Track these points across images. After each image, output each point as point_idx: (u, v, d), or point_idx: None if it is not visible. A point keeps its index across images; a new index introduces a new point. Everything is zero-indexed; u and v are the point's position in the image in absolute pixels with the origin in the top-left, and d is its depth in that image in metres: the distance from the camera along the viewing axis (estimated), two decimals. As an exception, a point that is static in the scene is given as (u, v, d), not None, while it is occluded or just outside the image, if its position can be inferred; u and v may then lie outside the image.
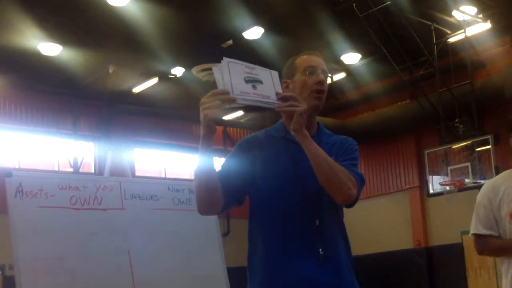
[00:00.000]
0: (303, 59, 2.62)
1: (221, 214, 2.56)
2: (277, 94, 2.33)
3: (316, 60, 2.61)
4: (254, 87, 2.28)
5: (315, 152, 2.37)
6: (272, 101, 2.32)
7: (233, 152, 2.58)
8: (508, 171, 3.54)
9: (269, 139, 2.59)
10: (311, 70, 2.56)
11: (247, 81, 2.28)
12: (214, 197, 2.41)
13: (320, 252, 2.41)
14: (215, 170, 2.39)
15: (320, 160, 2.37)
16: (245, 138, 2.64)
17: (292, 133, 2.36)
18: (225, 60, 2.28)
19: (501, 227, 3.45)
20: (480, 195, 3.57)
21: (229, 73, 2.26)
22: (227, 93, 2.23)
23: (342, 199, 2.42)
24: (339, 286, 2.44)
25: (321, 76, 2.55)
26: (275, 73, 2.41)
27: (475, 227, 3.52)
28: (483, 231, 3.47)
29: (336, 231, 2.52)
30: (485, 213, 3.49)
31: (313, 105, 2.51)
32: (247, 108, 17.58)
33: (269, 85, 2.33)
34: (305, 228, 2.43)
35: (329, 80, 2.64)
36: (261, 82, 2.31)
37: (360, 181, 2.49)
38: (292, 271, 2.40)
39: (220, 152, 18.93)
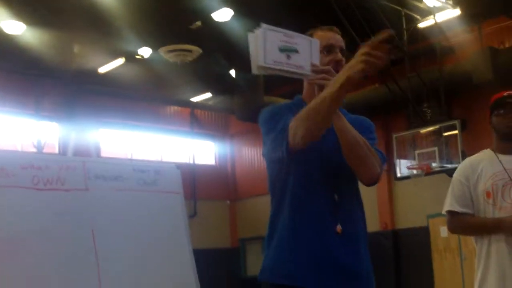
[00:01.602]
0: (321, 36, 2.55)
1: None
2: (312, 65, 2.30)
3: (334, 37, 2.56)
4: (288, 56, 2.25)
5: (346, 129, 2.36)
6: (304, 72, 2.29)
7: (272, 116, 2.53)
8: (486, 150, 3.55)
9: (293, 112, 2.53)
10: (329, 48, 2.52)
11: (282, 50, 2.24)
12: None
13: (339, 227, 2.42)
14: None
15: (351, 138, 2.35)
16: (274, 106, 2.60)
17: None
18: (264, 27, 2.25)
19: (475, 205, 3.44)
20: (458, 172, 3.56)
21: (264, 41, 2.22)
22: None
23: (368, 178, 2.46)
24: (360, 271, 2.48)
25: (339, 56, 2.51)
26: (315, 42, 2.36)
27: (450, 204, 3.50)
28: (459, 209, 3.46)
29: (355, 206, 2.55)
30: (461, 190, 3.48)
31: None
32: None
33: (305, 55, 2.30)
34: (325, 203, 2.43)
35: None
36: (296, 51, 2.27)
37: (384, 160, 2.51)
38: (313, 243, 2.41)
39: (187, 133, 18.84)
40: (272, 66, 2.21)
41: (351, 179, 2.48)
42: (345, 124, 2.35)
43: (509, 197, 3.35)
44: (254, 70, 2.24)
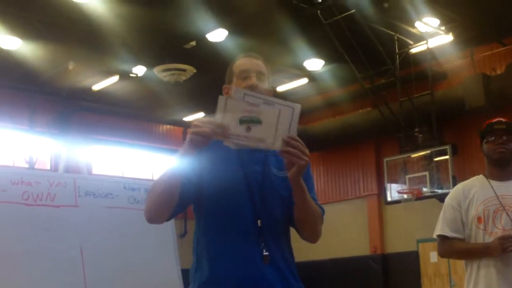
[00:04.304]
0: (239, 63, 2.56)
1: (165, 221, 2.47)
2: (287, 136, 2.18)
3: (251, 63, 2.54)
4: (248, 128, 2.15)
5: (308, 204, 2.37)
6: (265, 146, 2.18)
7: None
8: (479, 175, 3.59)
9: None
10: (245, 74, 2.50)
11: (242, 121, 2.15)
12: (170, 206, 2.34)
13: (264, 253, 2.35)
14: (180, 182, 2.31)
15: (311, 213, 2.39)
16: None
17: (290, 179, 2.28)
18: (235, 92, 2.18)
19: (466, 230, 3.47)
20: (450, 197, 3.59)
21: (224, 111, 2.14)
22: (224, 127, 2.14)
23: (311, 241, 2.49)
24: None
25: (253, 80, 2.47)
26: (285, 111, 2.19)
27: (441, 229, 3.54)
28: (449, 233, 3.50)
29: (281, 235, 2.47)
30: (453, 215, 3.52)
31: None
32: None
33: (269, 126, 2.17)
34: (249, 229, 2.38)
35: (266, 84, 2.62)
36: (259, 122, 2.16)
37: (323, 214, 2.52)
38: (235, 269, 2.34)
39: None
40: (231, 139, 2.15)
41: (280, 206, 2.44)
42: (307, 199, 2.36)
43: (500, 223, 3.38)
44: (224, 142, 2.17)
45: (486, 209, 3.42)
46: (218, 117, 2.15)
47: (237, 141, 2.16)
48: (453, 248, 3.52)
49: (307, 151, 2.22)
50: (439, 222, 3.56)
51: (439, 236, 3.55)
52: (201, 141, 2.16)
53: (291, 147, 2.19)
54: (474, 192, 3.49)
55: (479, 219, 3.42)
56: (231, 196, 2.39)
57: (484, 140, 3.52)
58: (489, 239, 3.38)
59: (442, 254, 3.64)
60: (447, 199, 3.59)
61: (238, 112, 2.15)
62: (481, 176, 3.57)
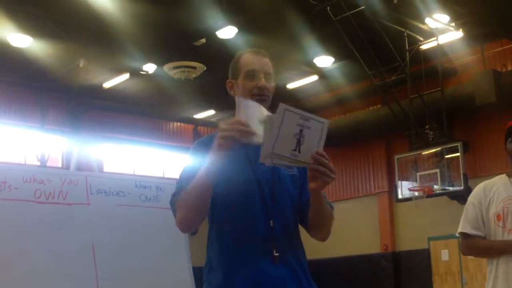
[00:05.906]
0: (246, 61, 2.49)
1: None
2: (317, 153, 2.16)
3: (259, 62, 2.48)
4: (297, 144, 2.10)
5: (324, 209, 2.38)
6: (303, 163, 2.15)
7: (194, 159, 2.43)
8: (502, 174, 3.62)
9: None
10: (252, 74, 2.45)
11: (295, 136, 2.09)
12: (205, 213, 2.34)
13: (275, 254, 2.34)
14: (212, 188, 2.27)
15: (326, 217, 2.41)
16: (200, 141, 2.50)
17: (311, 191, 2.28)
18: (282, 106, 2.07)
19: (487, 227, 3.51)
20: (472, 195, 3.64)
21: (281, 125, 2.06)
22: (247, 125, 2.09)
23: (322, 240, 2.51)
24: None
25: (262, 81, 2.43)
26: (320, 127, 2.18)
27: (463, 226, 3.58)
28: (470, 231, 3.54)
29: (292, 234, 2.46)
30: (474, 213, 3.56)
31: None
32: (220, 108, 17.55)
33: (309, 146, 2.14)
34: (260, 229, 2.36)
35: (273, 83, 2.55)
36: (304, 139, 2.12)
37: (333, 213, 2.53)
38: (249, 271, 2.32)
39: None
40: (278, 156, 2.09)
41: (290, 205, 2.44)
42: (325, 206, 2.37)
43: None
44: (261, 159, 2.09)
45: (506, 207, 3.44)
46: (265, 134, 2.09)
47: (278, 162, 2.11)
48: (474, 246, 3.57)
49: (333, 167, 2.22)
50: (461, 219, 3.61)
51: (460, 233, 3.59)
52: (229, 145, 2.13)
53: (320, 164, 2.18)
54: (495, 190, 3.52)
55: (498, 216, 3.45)
56: (243, 197, 2.38)
57: (509, 140, 3.53)
58: (508, 236, 3.41)
59: (464, 251, 3.70)
60: (469, 197, 3.64)
61: (292, 127, 2.09)
62: (504, 175, 3.60)
